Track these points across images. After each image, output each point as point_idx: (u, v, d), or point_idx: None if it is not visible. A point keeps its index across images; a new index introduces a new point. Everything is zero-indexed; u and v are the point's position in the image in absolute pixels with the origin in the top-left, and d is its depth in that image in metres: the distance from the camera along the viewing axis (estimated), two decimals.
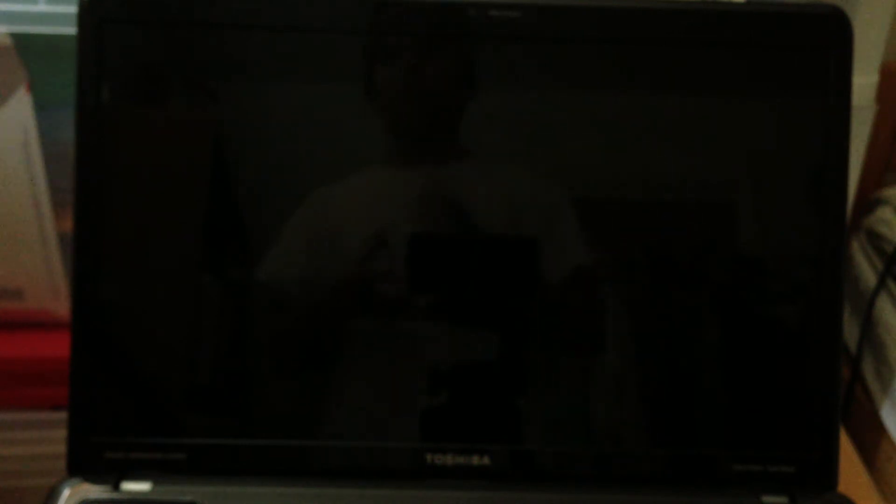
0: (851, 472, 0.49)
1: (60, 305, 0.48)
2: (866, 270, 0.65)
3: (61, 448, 0.36)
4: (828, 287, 0.37)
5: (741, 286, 0.38)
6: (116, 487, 0.37)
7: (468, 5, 0.36)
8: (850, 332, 0.64)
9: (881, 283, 0.62)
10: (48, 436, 0.48)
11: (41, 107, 0.44)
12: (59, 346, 0.40)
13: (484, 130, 0.37)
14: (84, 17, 0.35)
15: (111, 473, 0.37)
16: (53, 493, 0.36)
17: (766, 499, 0.37)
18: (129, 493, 0.36)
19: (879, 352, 0.61)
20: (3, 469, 0.49)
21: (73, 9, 0.36)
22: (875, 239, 0.65)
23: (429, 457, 0.37)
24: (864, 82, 0.54)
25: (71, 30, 0.37)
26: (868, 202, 0.68)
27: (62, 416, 0.36)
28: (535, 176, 0.37)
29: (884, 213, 0.65)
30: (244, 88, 0.36)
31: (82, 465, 0.37)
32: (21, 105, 0.44)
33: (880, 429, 0.58)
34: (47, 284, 0.48)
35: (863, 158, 0.58)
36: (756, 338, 0.38)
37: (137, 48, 0.36)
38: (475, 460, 0.37)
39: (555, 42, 0.36)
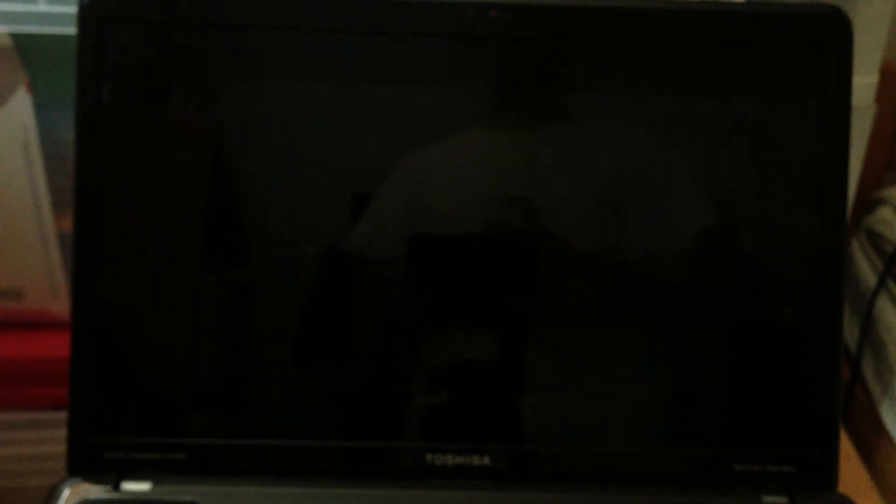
0: (851, 472, 0.49)
1: (60, 305, 0.48)
2: (866, 270, 0.65)
3: (61, 448, 0.36)
4: (828, 287, 0.37)
5: (741, 286, 0.38)
6: (116, 487, 0.37)
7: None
8: (850, 332, 0.64)
9: (881, 283, 0.61)
10: (48, 436, 0.48)
11: (41, 107, 0.44)
12: (59, 346, 0.40)
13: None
14: (84, 17, 0.35)
15: (111, 473, 0.37)
16: (53, 493, 0.36)
17: (766, 499, 0.37)
18: (129, 493, 0.36)
19: (879, 352, 0.61)
20: (3, 469, 0.49)
21: (73, 9, 0.36)
22: (875, 239, 0.65)
23: (429, 457, 0.37)
24: (864, 82, 0.54)
25: (71, 30, 0.37)
26: (868, 202, 0.68)
27: (62, 416, 0.36)
28: None
29: (884, 213, 0.65)
30: (245, 87, 0.36)
31: (82, 465, 0.37)
32: (21, 105, 0.44)
33: (880, 429, 0.58)
34: (47, 284, 0.48)
35: (863, 158, 0.58)
36: (756, 338, 0.38)
37: (137, 48, 0.36)
38: (475, 460, 0.37)
39: (552, 42, 0.36)
